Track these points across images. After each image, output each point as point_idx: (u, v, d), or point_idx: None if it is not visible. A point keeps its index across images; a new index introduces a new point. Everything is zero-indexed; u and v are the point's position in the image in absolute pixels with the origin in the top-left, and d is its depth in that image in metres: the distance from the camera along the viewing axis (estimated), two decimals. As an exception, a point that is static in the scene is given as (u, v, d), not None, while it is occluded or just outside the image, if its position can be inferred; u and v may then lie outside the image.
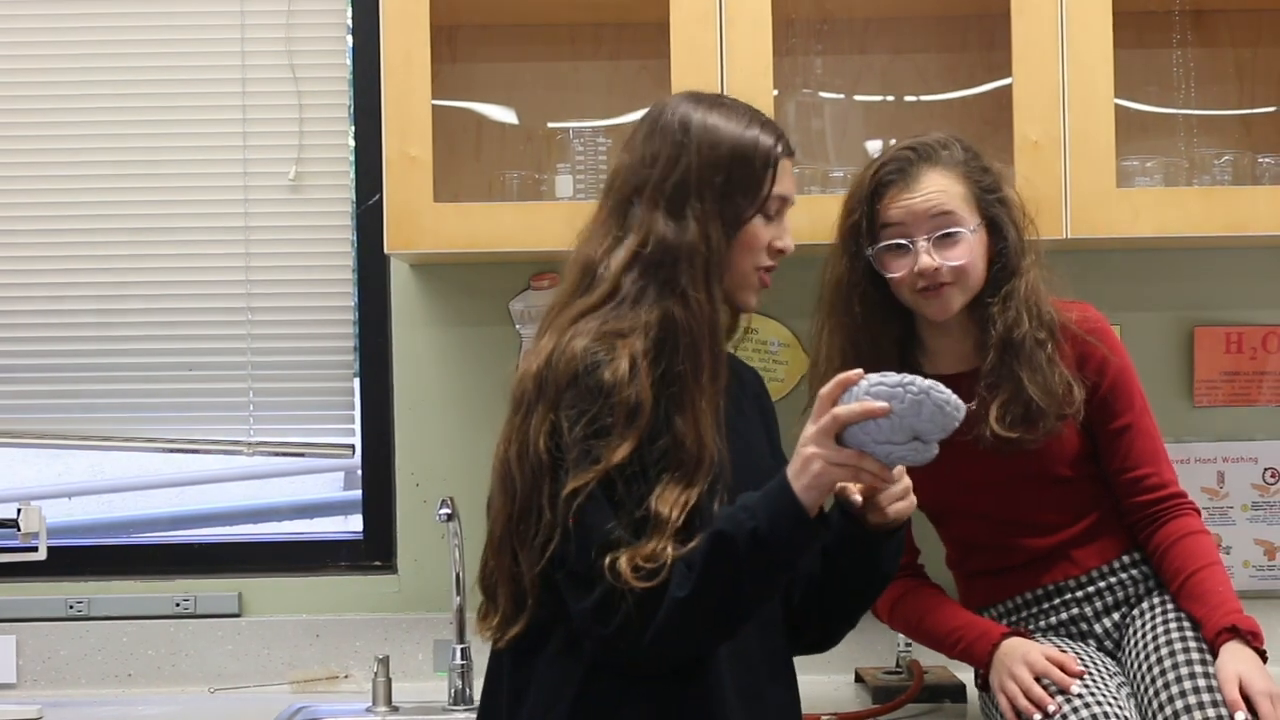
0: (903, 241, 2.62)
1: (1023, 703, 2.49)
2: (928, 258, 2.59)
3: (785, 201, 2.30)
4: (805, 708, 2.79)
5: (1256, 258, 3.32)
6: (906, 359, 2.71)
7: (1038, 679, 2.50)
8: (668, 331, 2.16)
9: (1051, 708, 2.46)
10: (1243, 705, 2.43)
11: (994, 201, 2.64)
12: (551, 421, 2.14)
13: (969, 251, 2.61)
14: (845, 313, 2.71)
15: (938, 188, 2.61)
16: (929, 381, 2.07)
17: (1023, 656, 2.53)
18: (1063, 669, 2.51)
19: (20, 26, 3.39)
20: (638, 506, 2.10)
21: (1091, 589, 2.73)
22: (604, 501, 2.10)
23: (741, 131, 2.25)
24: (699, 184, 2.21)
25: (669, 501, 2.09)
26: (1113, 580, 2.73)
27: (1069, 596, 2.73)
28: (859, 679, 3.17)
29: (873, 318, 2.69)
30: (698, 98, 2.30)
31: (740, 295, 2.30)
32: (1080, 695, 2.47)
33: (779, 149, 2.27)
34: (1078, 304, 2.71)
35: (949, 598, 2.75)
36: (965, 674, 3.08)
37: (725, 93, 2.92)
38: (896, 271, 2.63)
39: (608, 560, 2.07)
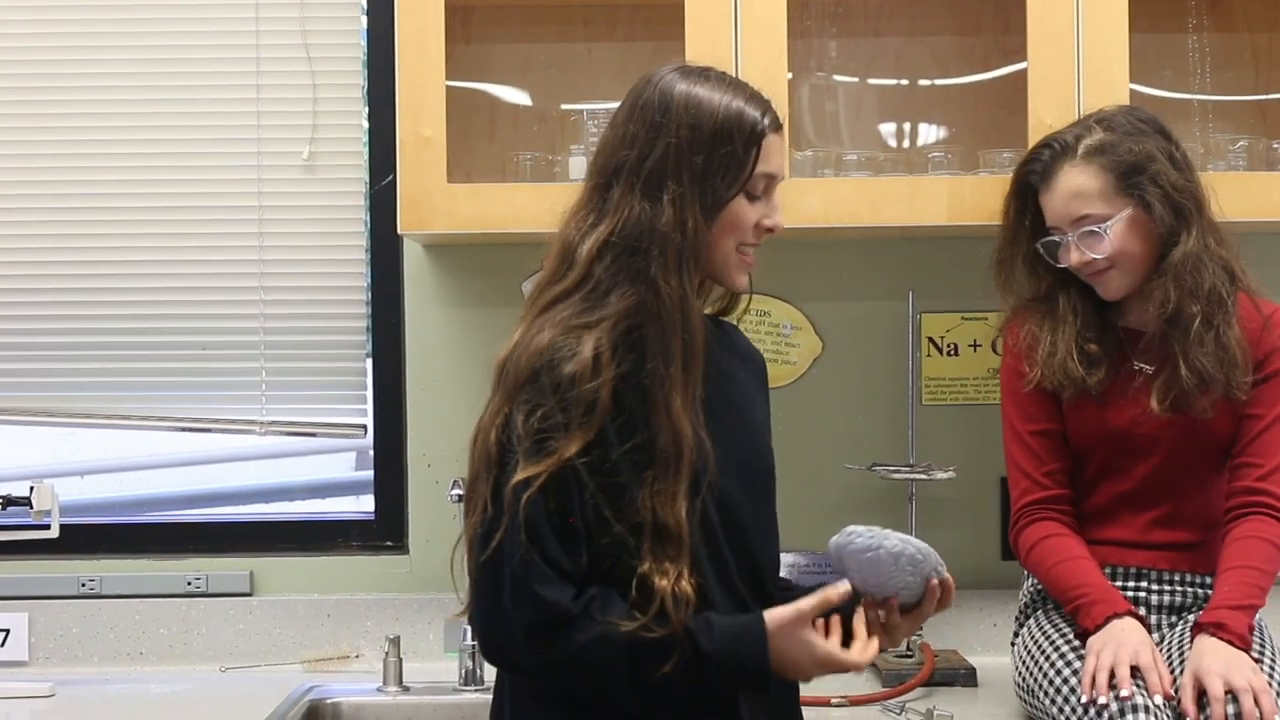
0: (1056, 239, 2.72)
1: (1103, 678, 2.47)
2: (1076, 253, 2.69)
3: (772, 179, 2.21)
4: (816, 691, 2.81)
5: (1271, 243, 3.30)
6: (1104, 313, 2.77)
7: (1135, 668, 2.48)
8: (638, 323, 2.11)
9: (1125, 691, 2.44)
10: (1191, 709, 2.44)
11: (1141, 180, 2.66)
12: (506, 414, 2.09)
13: (1115, 243, 2.67)
14: (1029, 279, 2.82)
15: (1073, 189, 2.69)
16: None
17: (1135, 645, 2.50)
18: (1162, 681, 2.48)
19: (35, 4, 3.38)
20: (610, 505, 2.07)
21: (1168, 586, 2.76)
22: (555, 497, 2.05)
23: (724, 110, 2.16)
24: (676, 166, 2.13)
25: (669, 510, 2.07)
26: (1188, 590, 2.76)
27: (1144, 583, 2.77)
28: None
29: (1059, 279, 2.77)
30: (685, 72, 2.20)
31: (726, 276, 2.23)
32: (1160, 708, 2.45)
33: (764, 125, 2.17)
34: (1266, 301, 2.77)
35: (1090, 556, 2.71)
36: (976, 658, 3.09)
37: (740, 75, 2.91)
38: (1063, 262, 2.73)
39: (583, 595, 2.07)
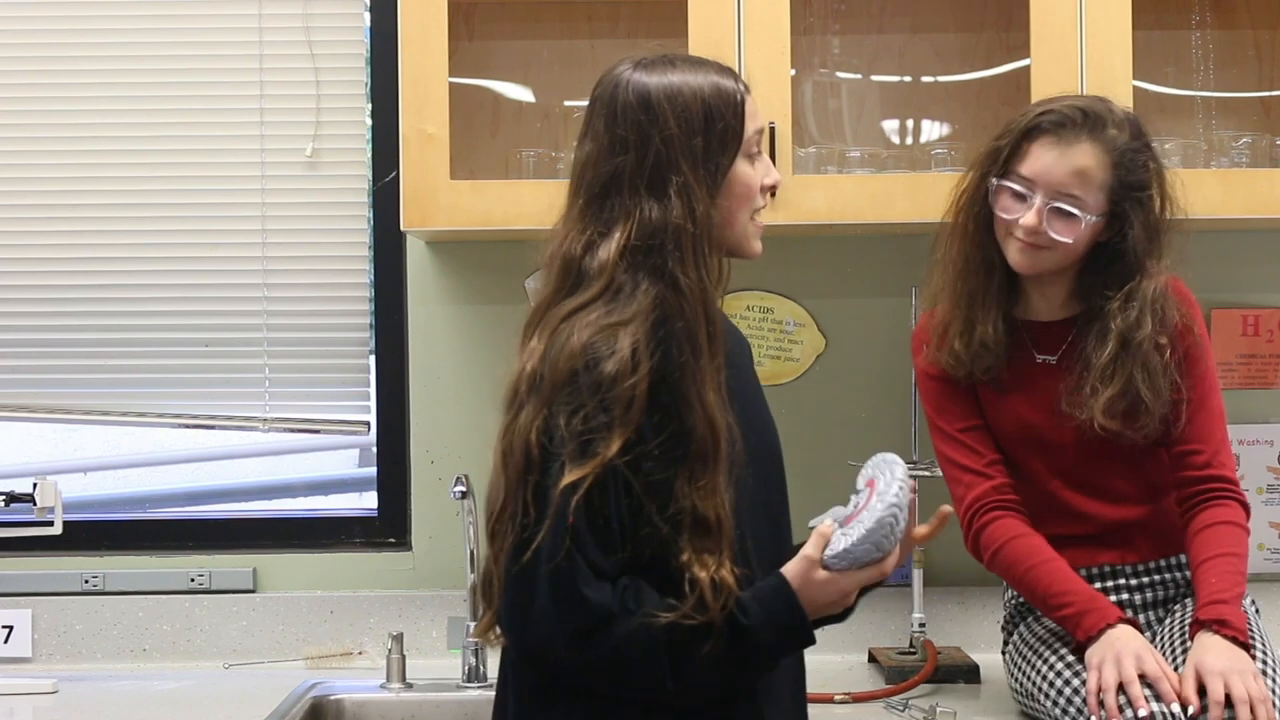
0: (1023, 191, 2.64)
1: (1110, 700, 2.44)
2: (1035, 218, 2.62)
3: (762, 133, 2.25)
4: (818, 687, 2.81)
5: (1274, 240, 3.31)
6: (1003, 298, 2.74)
7: (1141, 676, 2.46)
8: (663, 318, 2.10)
9: (1143, 712, 2.41)
10: (1193, 699, 2.43)
11: (1133, 199, 2.64)
12: (545, 417, 2.08)
13: (1076, 234, 2.62)
14: (963, 225, 2.75)
15: (1081, 164, 2.62)
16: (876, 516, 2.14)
17: (1136, 651, 2.48)
18: (1174, 684, 2.46)
19: (39, 0, 3.39)
20: (652, 501, 2.06)
21: (1146, 579, 2.76)
22: (599, 498, 2.05)
23: (704, 88, 2.17)
24: (675, 156, 2.14)
25: (710, 503, 2.07)
26: (1166, 576, 2.76)
27: (1122, 581, 2.76)
28: (872, 659, 3.17)
29: (983, 240, 2.73)
30: (647, 65, 2.19)
31: (746, 246, 2.25)
32: (1179, 718, 2.44)
33: (741, 89, 2.20)
34: (1169, 276, 2.72)
35: (1059, 554, 2.68)
36: (979, 655, 3.09)
37: (743, 71, 2.92)
38: (1004, 212, 2.66)
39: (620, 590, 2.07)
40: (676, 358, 2.10)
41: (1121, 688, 2.44)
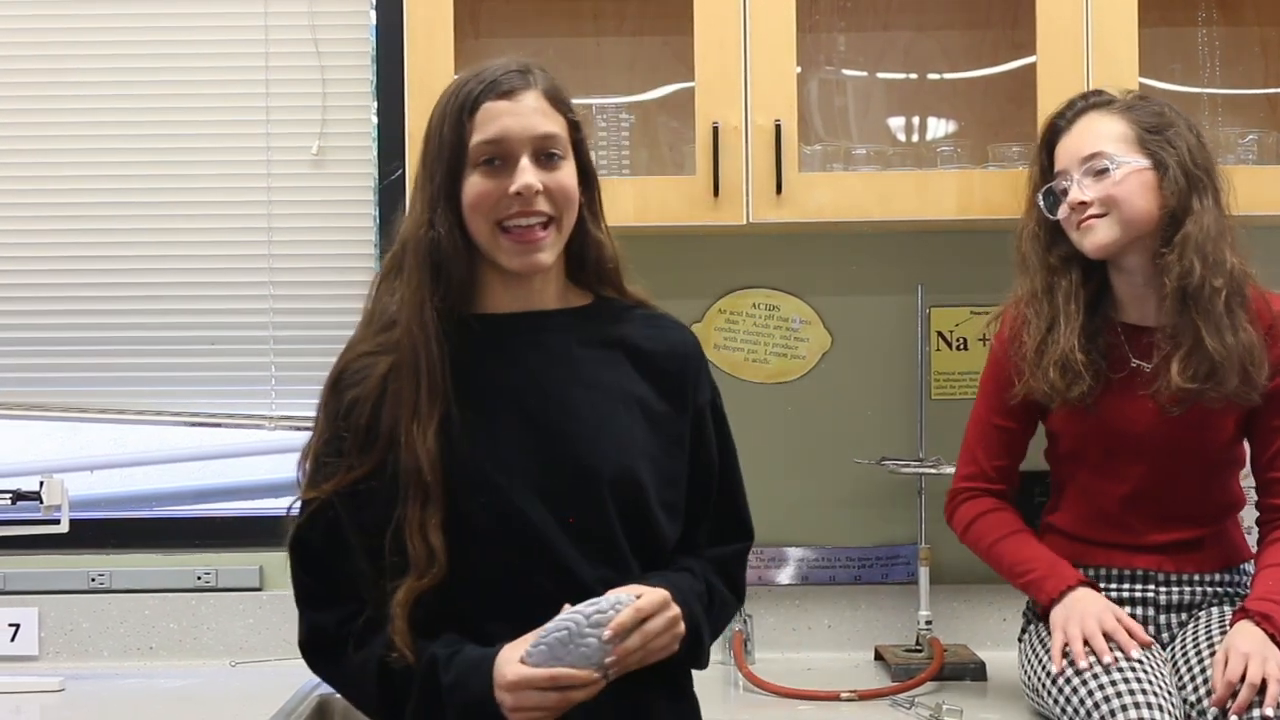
0: (1063, 185, 2.69)
1: (1078, 646, 2.50)
2: (1077, 190, 2.66)
3: (498, 144, 2.08)
4: (824, 685, 2.81)
5: (1280, 238, 3.31)
6: (1099, 310, 2.73)
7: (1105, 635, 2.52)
8: (398, 342, 2.09)
9: (1107, 659, 2.48)
10: (1219, 685, 2.46)
11: (1160, 141, 2.65)
12: (310, 433, 2.18)
13: (1119, 186, 2.63)
14: (1042, 258, 2.75)
15: (1094, 128, 2.68)
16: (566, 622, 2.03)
17: (1097, 612, 2.55)
18: (1131, 635, 2.53)
19: None
20: (369, 529, 2.08)
21: (1175, 589, 2.75)
22: (324, 523, 2.11)
23: (447, 95, 2.12)
24: (420, 169, 2.13)
25: (414, 535, 2.05)
26: (1195, 589, 2.75)
27: (1150, 585, 2.75)
28: (879, 657, 3.17)
29: (1058, 266, 2.73)
30: None
31: (497, 259, 2.12)
32: (1141, 662, 2.49)
33: (478, 94, 2.08)
34: (1277, 297, 2.73)
35: (1030, 530, 2.75)
36: (986, 653, 3.09)
37: (748, 69, 2.93)
38: (1058, 214, 2.70)
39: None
40: (394, 385, 2.09)
41: (1086, 643, 2.51)
